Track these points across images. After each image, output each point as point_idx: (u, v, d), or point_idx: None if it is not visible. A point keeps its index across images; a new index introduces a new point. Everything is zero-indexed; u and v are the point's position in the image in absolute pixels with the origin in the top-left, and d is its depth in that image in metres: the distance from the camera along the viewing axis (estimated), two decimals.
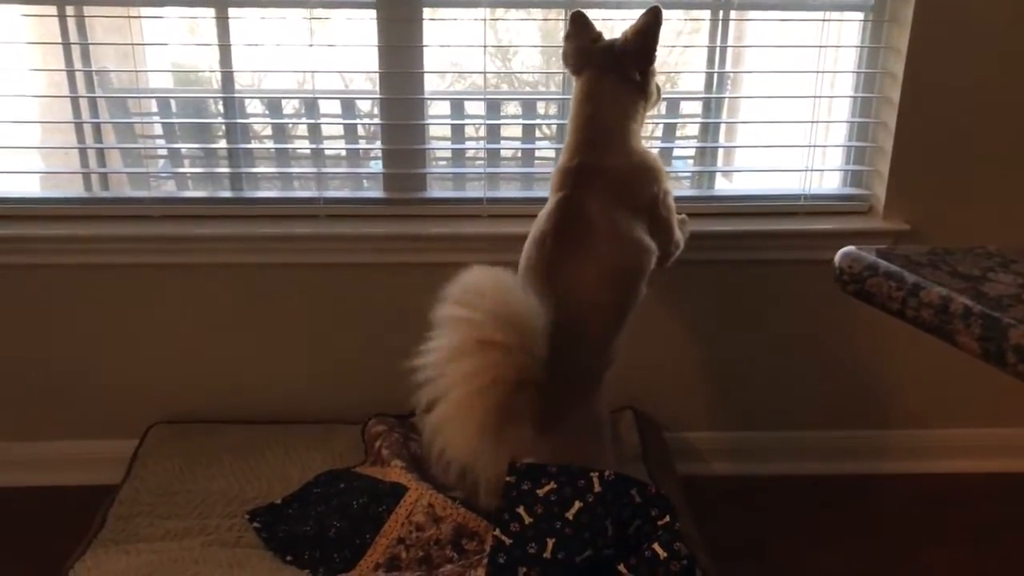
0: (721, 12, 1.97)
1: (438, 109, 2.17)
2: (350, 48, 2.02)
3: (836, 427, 2.19)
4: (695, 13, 2.05)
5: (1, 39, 1.90)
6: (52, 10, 1.86)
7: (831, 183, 2.14)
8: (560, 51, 1.71)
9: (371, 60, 1.93)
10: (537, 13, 2.06)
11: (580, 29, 1.66)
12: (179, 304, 2.00)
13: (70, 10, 1.87)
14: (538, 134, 2.24)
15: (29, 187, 2.06)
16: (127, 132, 2.10)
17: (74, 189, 2.02)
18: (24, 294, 1.98)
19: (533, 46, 2.12)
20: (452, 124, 2.16)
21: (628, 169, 1.60)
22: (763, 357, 2.12)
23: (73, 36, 1.90)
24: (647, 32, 1.60)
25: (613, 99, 1.62)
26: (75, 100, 1.95)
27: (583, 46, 1.64)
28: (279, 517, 1.59)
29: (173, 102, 2.13)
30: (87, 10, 1.88)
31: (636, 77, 1.63)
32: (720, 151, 2.16)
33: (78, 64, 1.92)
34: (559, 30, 1.87)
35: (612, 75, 1.61)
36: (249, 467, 1.76)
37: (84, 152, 2.00)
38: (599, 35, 1.67)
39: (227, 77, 1.94)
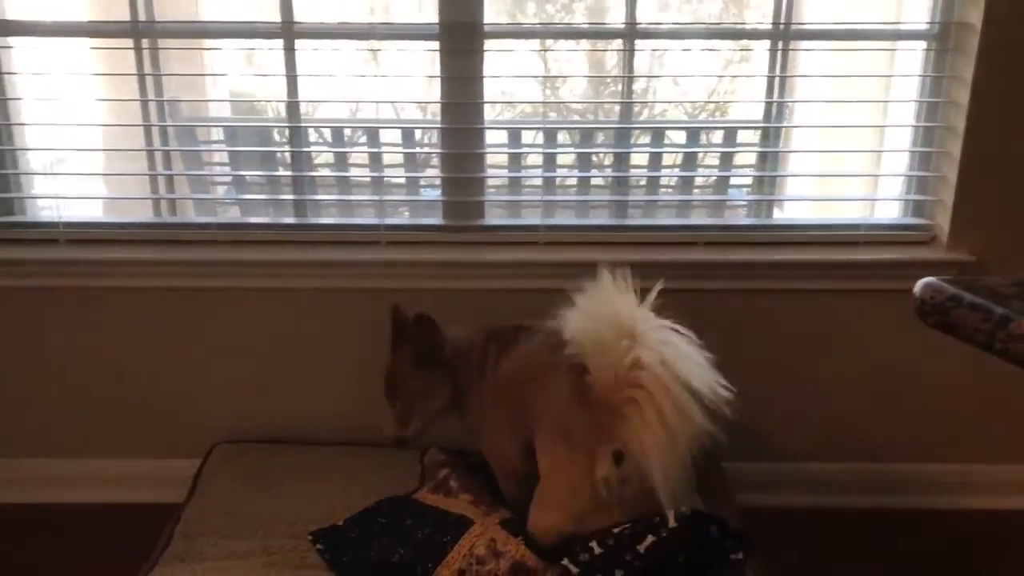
0: (780, 42, 1.97)
1: (493, 138, 2.20)
2: (407, 79, 2.06)
3: (891, 459, 2.15)
4: (752, 43, 2.06)
5: (76, 69, 1.98)
6: (128, 42, 1.93)
7: (891, 213, 2.12)
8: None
9: (424, 90, 1.97)
10: (587, 44, 2.08)
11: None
12: (242, 326, 2.04)
13: (145, 43, 1.93)
14: (593, 161, 2.26)
15: (94, 212, 2.13)
16: (194, 160, 2.16)
17: (143, 214, 2.08)
18: (93, 316, 2.03)
19: (587, 76, 2.14)
20: (512, 152, 2.19)
21: None
22: (819, 387, 2.10)
23: (146, 67, 1.96)
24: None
25: None
26: (147, 128, 2.01)
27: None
28: (342, 540, 1.60)
29: (236, 131, 2.20)
30: (161, 42, 1.95)
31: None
32: (777, 180, 2.15)
33: (151, 94, 1.98)
34: (608, 60, 1.88)
35: None
36: (311, 489, 1.77)
37: (154, 179, 2.06)
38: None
39: (292, 107, 1.99)
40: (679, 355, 1.39)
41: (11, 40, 1.95)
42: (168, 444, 2.11)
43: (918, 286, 0.83)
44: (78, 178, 2.06)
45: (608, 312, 1.42)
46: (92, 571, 1.84)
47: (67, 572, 1.87)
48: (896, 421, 2.12)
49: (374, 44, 1.94)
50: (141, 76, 1.96)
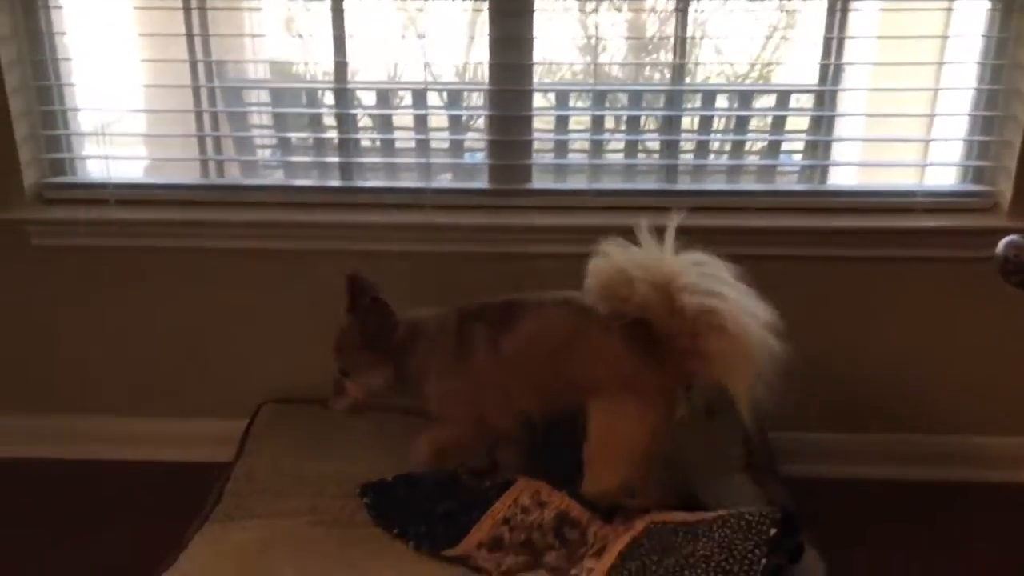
0: (839, 2, 1.91)
1: (540, 102, 2.17)
2: (452, 40, 2.03)
3: (942, 431, 2.11)
4: (804, 4, 2.00)
5: (124, 30, 1.98)
6: (177, 2, 1.92)
7: (948, 179, 2.06)
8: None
9: (466, 52, 1.95)
10: (632, 6, 2.03)
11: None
12: (287, 288, 2.04)
13: (194, 2, 1.93)
14: (642, 125, 2.21)
15: (143, 173, 2.14)
16: (240, 123, 2.16)
17: (192, 176, 2.09)
18: (141, 276, 2.06)
19: (637, 38, 2.10)
20: (560, 115, 2.15)
21: None
22: (870, 357, 2.06)
23: (195, 28, 1.96)
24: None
25: None
26: (195, 90, 2.01)
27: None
28: (389, 495, 1.61)
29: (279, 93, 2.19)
30: (210, 2, 1.94)
31: None
32: (830, 145, 2.09)
33: (199, 55, 1.98)
34: (650, 25, 1.84)
35: None
36: (358, 450, 1.78)
37: (202, 141, 2.06)
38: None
39: (339, 68, 1.98)
40: (727, 285, 1.43)
41: (61, 0, 1.95)
42: (215, 404, 2.13)
43: (1001, 245, 0.80)
44: (127, 139, 2.06)
45: (642, 259, 1.45)
46: (143, 527, 1.87)
47: (119, 528, 1.91)
48: (949, 392, 2.08)
49: (420, 4, 1.91)
50: (190, 36, 1.95)
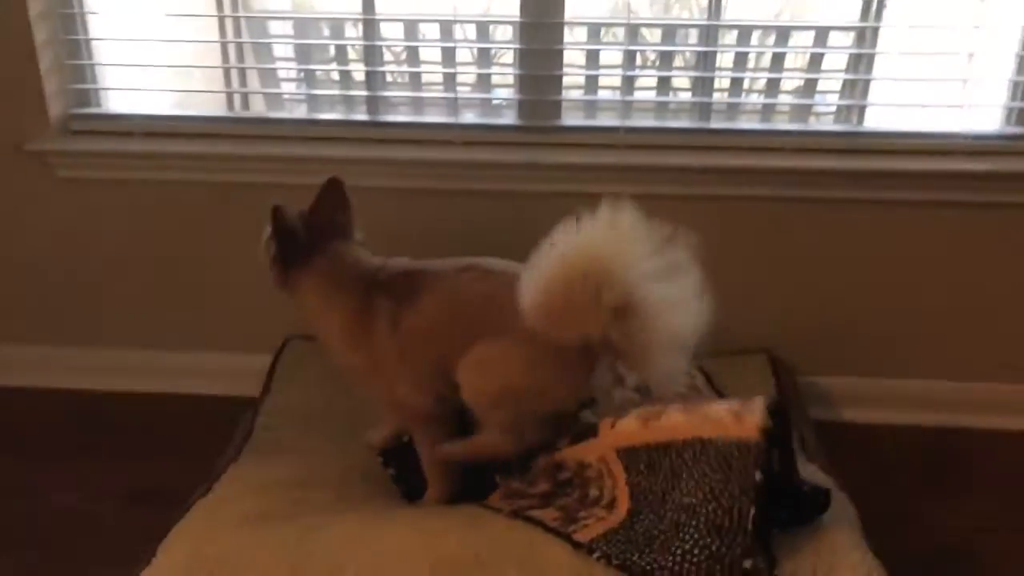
0: None
1: (569, 37, 2.11)
2: None
3: (974, 378, 2.09)
4: None
5: None
6: None
7: (992, 121, 1.99)
8: None
9: None
10: None
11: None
12: None
13: None
14: (676, 63, 2.16)
15: (169, 105, 2.11)
16: (266, 55, 2.13)
17: (217, 108, 2.06)
18: (167, 209, 2.05)
19: None
20: (591, 49, 2.10)
21: None
22: (907, 302, 2.03)
23: None
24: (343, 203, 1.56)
25: None
26: (221, 21, 1.97)
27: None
28: (413, 459, 1.57)
29: (303, 25, 2.15)
30: None
31: None
32: (869, 85, 2.03)
33: None
34: None
35: None
36: None
37: (227, 73, 2.03)
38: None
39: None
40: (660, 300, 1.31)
41: None
42: (240, 337, 2.14)
43: None
44: (152, 70, 2.03)
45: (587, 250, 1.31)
46: (174, 456, 1.90)
47: (151, 456, 1.95)
48: (983, 339, 2.05)
49: None
50: None
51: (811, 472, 1.48)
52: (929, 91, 2.00)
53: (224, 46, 2.00)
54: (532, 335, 1.33)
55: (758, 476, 1.19)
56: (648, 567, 1.22)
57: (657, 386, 1.38)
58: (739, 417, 1.25)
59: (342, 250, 1.53)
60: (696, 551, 1.20)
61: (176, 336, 2.17)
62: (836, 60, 2.12)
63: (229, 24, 1.99)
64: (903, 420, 2.09)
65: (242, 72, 2.04)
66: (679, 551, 1.21)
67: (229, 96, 2.05)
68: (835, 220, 1.96)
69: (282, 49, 2.21)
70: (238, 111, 2.05)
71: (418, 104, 2.10)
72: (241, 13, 2.00)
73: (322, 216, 1.54)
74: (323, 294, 1.52)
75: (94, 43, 2.00)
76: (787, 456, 1.27)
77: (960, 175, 1.90)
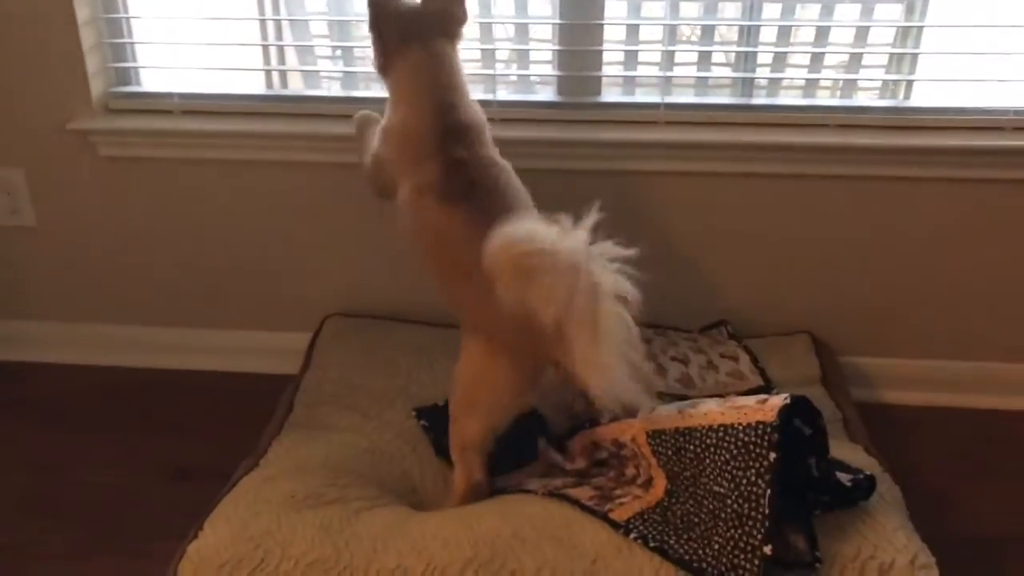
0: None
1: (612, 11, 2.08)
2: None
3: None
4: None
5: None
6: None
7: None
8: None
9: None
10: None
11: None
12: (351, 202, 2.03)
13: None
14: (716, 38, 2.12)
15: (209, 83, 2.12)
16: (303, 32, 2.12)
17: (256, 86, 2.07)
18: (206, 187, 2.06)
19: None
20: (630, 24, 2.07)
21: None
22: (955, 282, 2.00)
23: None
24: None
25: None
26: None
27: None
28: (445, 417, 1.56)
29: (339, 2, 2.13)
30: None
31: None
32: (917, 59, 1.98)
33: None
34: None
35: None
36: (424, 368, 1.79)
37: (266, 50, 2.03)
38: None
39: None
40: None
41: None
42: (278, 316, 2.16)
43: None
44: (192, 48, 2.04)
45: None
46: (217, 432, 1.93)
47: (194, 432, 1.98)
48: None
49: None
50: None
51: (855, 454, 1.47)
52: (978, 65, 1.95)
53: (263, 24, 2.00)
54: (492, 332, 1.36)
55: (772, 457, 1.18)
56: (687, 556, 1.21)
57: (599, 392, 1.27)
58: (763, 403, 1.24)
59: (442, 51, 1.51)
60: (729, 545, 1.19)
61: (216, 314, 2.19)
62: (883, 34, 2.07)
63: (267, 1, 1.98)
64: (951, 402, 2.06)
65: (280, 51, 2.04)
66: (716, 544, 1.20)
67: (267, 74, 2.05)
68: (879, 198, 1.93)
69: (318, 26, 2.20)
70: (276, 89, 2.05)
71: None
72: None
73: (428, 5, 1.53)
74: (409, 91, 1.51)
75: (134, 21, 2.01)
76: (824, 460, 1.26)
77: (1008, 151, 1.85)
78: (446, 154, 1.44)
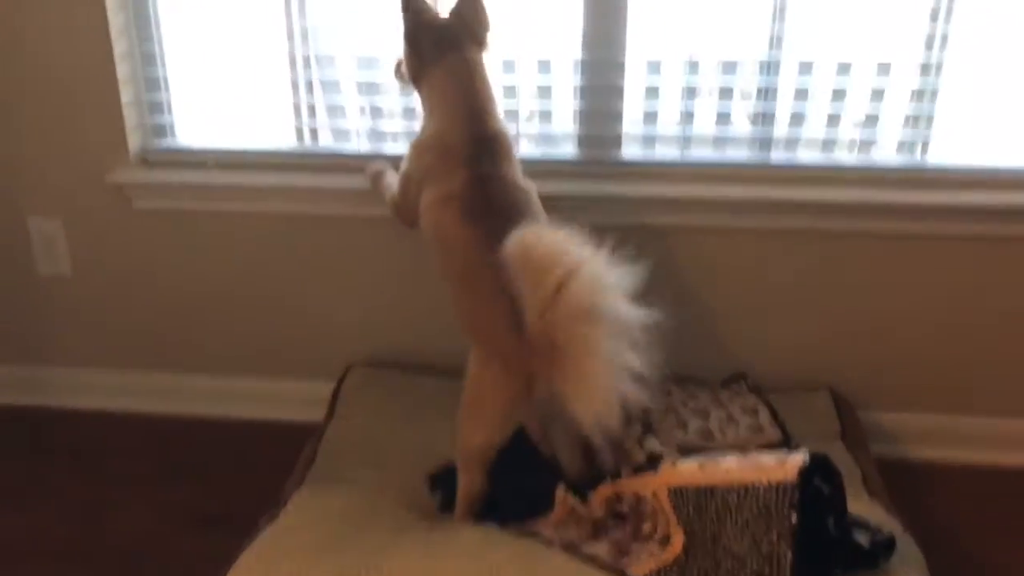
0: None
1: (632, 68, 2.13)
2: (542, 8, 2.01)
3: None
4: None
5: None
6: None
7: None
8: None
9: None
10: None
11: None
12: (376, 254, 2.08)
13: None
14: (736, 96, 2.16)
15: (242, 138, 2.19)
16: (333, 90, 2.19)
17: (287, 142, 2.13)
18: (239, 239, 2.12)
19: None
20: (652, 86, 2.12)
21: None
22: (976, 339, 2.00)
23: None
24: (480, 6, 1.62)
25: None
26: (292, 58, 2.04)
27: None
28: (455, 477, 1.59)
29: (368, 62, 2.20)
30: None
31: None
32: (933, 118, 2.01)
33: (295, 25, 2.01)
34: None
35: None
36: (447, 421, 1.78)
37: (297, 107, 2.10)
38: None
39: None
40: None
41: None
42: (305, 365, 2.19)
43: None
44: (226, 105, 2.11)
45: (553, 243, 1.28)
46: (239, 481, 1.96)
47: (217, 480, 2.01)
48: None
49: None
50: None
51: (874, 512, 1.47)
52: (992, 125, 1.97)
53: (294, 82, 2.07)
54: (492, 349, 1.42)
55: (793, 518, 1.19)
56: None
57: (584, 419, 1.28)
58: (782, 463, 1.25)
59: (475, 59, 1.60)
60: None
61: (246, 362, 2.23)
62: (899, 93, 2.10)
63: (299, 61, 2.05)
64: (972, 459, 2.05)
65: (311, 107, 2.11)
66: None
67: (299, 129, 2.12)
68: (898, 254, 1.95)
69: (348, 85, 2.27)
70: (307, 144, 2.12)
71: None
72: (311, 52, 2.06)
73: (458, 17, 1.61)
74: (445, 97, 1.59)
75: (171, 79, 2.09)
76: (842, 518, 1.26)
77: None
78: (473, 167, 1.51)
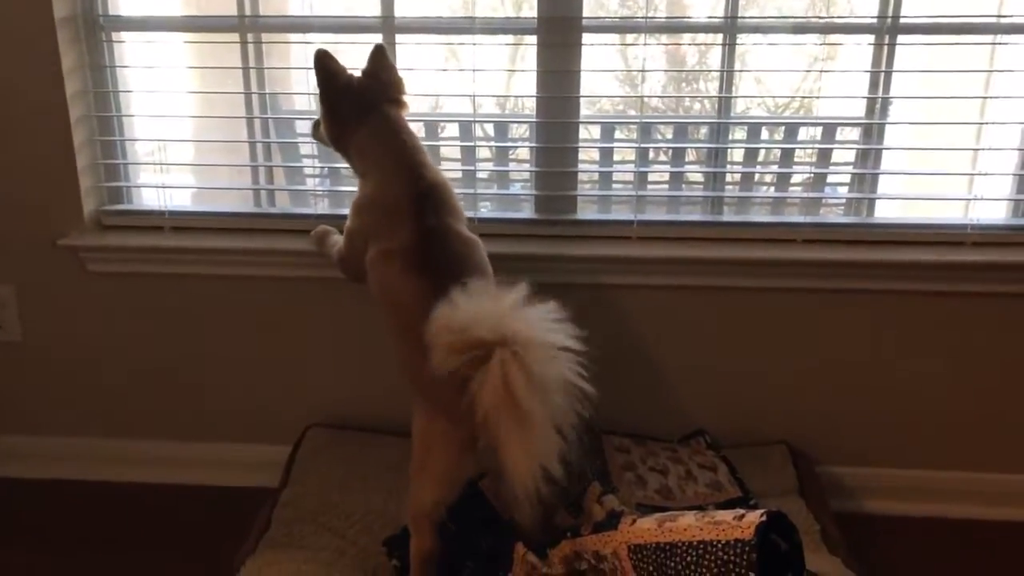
0: (886, 36, 1.92)
1: (585, 133, 2.19)
2: (495, 72, 2.06)
3: (995, 469, 2.08)
4: (845, 38, 2.01)
5: (183, 63, 2.04)
6: (235, 37, 1.98)
7: (998, 213, 2.04)
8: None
9: (504, 84, 1.98)
10: (665, 38, 2.04)
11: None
12: (332, 316, 2.07)
13: (250, 36, 1.99)
14: (688, 157, 2.23)
15: (197, 201, 2.19)
16: (291, 153, 2.21)
17: (244, 204, 2.14)
18: (194, 301, 2.10)
19: (682, 71, 2.12)
20: (604, 147, 2.17)
21: None
22: (924, 391, 2.04)
23: (251, 61, 2.01)
24: (390, 66, 1.68)
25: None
26: (249, 121, 2.06)
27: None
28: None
29: None
30: (265, 36, 2.00)
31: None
32: (878, 178, 2.09)
33: (253, 87, 2.03)
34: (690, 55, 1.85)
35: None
36: (404, 483, 1.77)
37: (255, 169, 2.11)
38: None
39: None
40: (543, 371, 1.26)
41: (124, 35, 2.02)
42: (262, 428, 2.16)
43: None
44: (182, 168, 2.12)
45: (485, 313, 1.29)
46: (193, 549, 1.90)
47: (168, 549, 1.95)
48: (1002, 430, 2.05)
49: (467, 39, 1.95)
50: (246, 70, 2.01)
51: (834, 567, 1.47)
52: (936, 184, 2.05)
53: (252, 145, 2.08)
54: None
55: None
56: None
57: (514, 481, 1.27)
58: (740, 519, 1.26)
59: (397, 115, 1.63)
60: None
61: (201, 427, 2.19)
62: (846, 154, 2.18)
63: (257, 123, 2.07)
64: (930, 512, 2.07)
65: (268, 169, 2.12)
66: None
67: (256, 192, 2.12)
68: (848, 310, 1.99)
69: (307, 147, 2.29)
70: (264, 206, 2.12)
71: None
72: (269, 115, 2.09)
73: (373, 79, 1.63)
74: (377, 157, 1.60)
75: (127, 143, 2.09)
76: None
77: (970, 266, 1.93)
78: (418, 221, 1.51)
